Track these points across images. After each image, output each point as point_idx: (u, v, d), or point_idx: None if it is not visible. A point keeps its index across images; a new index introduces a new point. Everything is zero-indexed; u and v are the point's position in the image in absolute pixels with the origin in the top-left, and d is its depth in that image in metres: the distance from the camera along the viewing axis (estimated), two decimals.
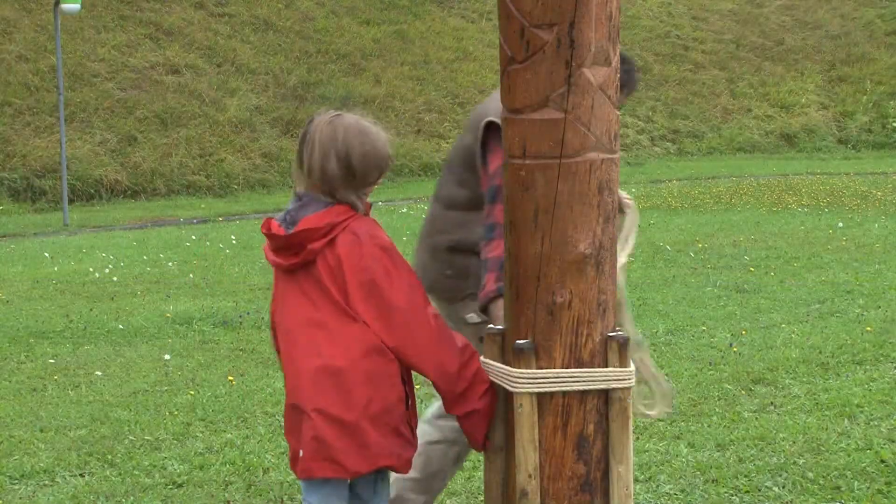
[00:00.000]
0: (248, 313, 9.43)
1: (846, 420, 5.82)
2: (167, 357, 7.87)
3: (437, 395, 3.32)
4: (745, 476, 5.01)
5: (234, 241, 14.97)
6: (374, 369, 3.22)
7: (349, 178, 3.24)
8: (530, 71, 3.02)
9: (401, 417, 3.30)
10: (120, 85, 23.57)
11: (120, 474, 5.35)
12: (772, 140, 29.54)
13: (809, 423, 5.75)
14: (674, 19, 33.27)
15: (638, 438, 5.56)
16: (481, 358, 3.25)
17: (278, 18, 27.28)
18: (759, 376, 6.78)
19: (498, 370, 3.18)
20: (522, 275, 3.09)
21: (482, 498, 4.67)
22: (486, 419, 3.23)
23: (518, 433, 3.10)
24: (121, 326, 8.99)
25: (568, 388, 3.09)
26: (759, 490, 4.87)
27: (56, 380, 7.32)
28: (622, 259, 3.71)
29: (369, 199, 3.36)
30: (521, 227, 3.07)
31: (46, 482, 5.28)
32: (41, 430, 6.11)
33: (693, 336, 7.96)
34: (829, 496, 4.78)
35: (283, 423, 6.11)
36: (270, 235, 3.28)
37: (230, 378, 7.18)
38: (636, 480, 4.93)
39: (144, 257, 13.58)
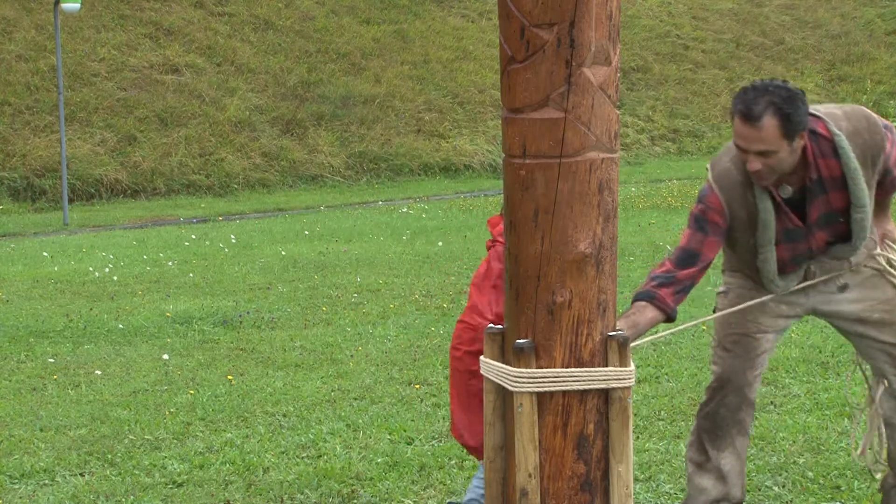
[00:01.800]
0: (248, 313, 9.43)
1: (846, 420, 5.81)
2: (166, 357, 7.87)
3: None
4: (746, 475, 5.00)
5: (233, 241, 14.97)
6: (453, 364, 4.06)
7: None
8: (530, 70, 3.02)
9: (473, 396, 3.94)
10: (120, 84, 23.57)
11: (120, 474, 5.35)
12: None
13: (809, 423, 5.75)
14: (674, 19, 33.27)
15: (638, 438, 5.57)
16: (482, 358, 3.25)
17: (278, 18, 27.28)
18: None
19: (498, 370, 3.18)
20: (523, 274, 3.09)
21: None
22: None
23: (518, 433, 3.10)
24: (121, 326, 8.99)
25: (568, 388, 3.09)
26: (759, 489, 4.87)
27: (56, 379, 7.32)
28: None
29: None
30: (521, 226, 3.07)
31: (46, 481, 5.28)
32: (41, 430, 6.11)
33: (693, 335, 7.95)
34: (829, 496, 4.78)
35: (287, 422, 6.11)
36: None
37: (229, 377, 7.18)
38: (636, 480, 4.93)
39: (144, 257, 13.58)
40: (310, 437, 5.82)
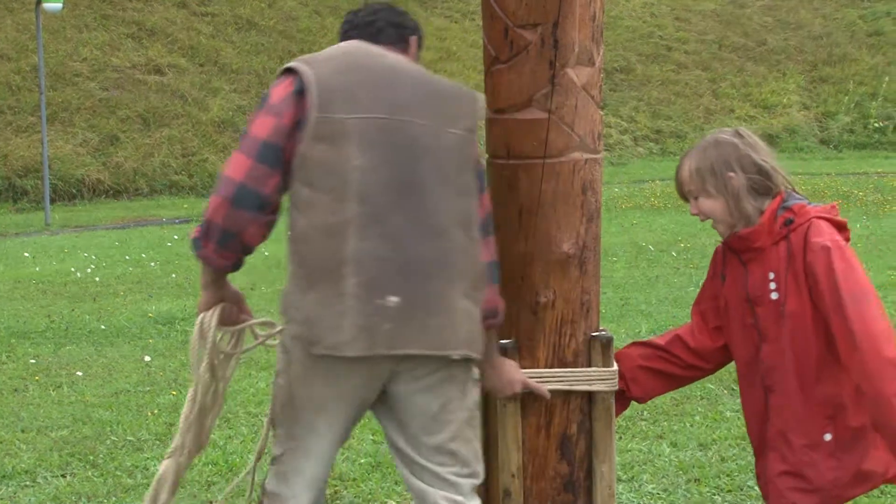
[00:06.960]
0: None
1: None
2: (148, 358, 7.84)
3: None
4: (728, 475, 5.02)
5: None
6: None
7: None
8: (514, 71, 3.02)
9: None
10: (102, 84, 23.49)
11: (102, 475, 5.33)
12: None
13: None
14: (656, 20, 33.34)
15: (621, 438, 5.57)
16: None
17: (261, 18, 27.23)
18: None
19: None
20: (506, 274, 3.09)
21: None
22: None
23: (501, 433, 3.10)
24: (103, 327, 8.96)
25: (551, 388, 3.09)
26: (741, 489, 4.88)
27: (37, 380, 7.29)
28: None
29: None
30: (504, 226, 3.07)
31: (28, 483, 5.25)
32: (22, 431, 6.08)
33: None
34: None
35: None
36: None
37: None
38: (619, 480, 4.94)
39: (126, 257, 13.53)
40: None
